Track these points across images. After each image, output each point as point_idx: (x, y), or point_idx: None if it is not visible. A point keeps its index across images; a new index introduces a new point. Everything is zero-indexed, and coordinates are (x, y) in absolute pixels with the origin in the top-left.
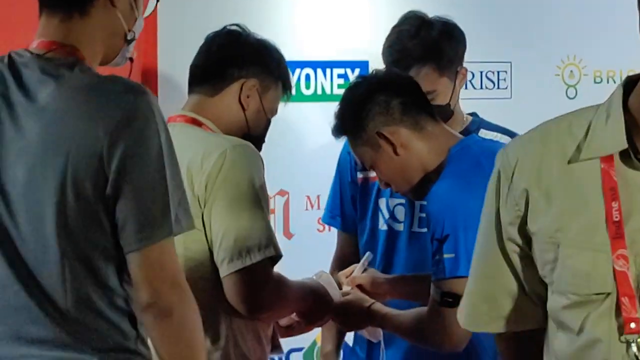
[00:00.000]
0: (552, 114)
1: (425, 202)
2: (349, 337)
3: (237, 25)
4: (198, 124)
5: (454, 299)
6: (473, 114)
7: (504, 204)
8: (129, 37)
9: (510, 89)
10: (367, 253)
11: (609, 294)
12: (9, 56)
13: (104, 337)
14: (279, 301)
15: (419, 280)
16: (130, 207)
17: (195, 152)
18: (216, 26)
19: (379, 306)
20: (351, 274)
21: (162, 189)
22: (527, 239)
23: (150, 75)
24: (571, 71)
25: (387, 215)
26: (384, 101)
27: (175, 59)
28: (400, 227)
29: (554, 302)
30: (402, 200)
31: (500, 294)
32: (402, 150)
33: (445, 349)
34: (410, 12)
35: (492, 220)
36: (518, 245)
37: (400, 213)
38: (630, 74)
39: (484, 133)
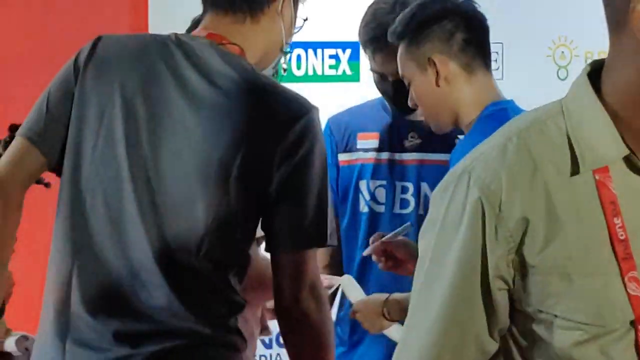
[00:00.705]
0: (544, 95)
1: (406, 183)
2: None
3: None
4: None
5: None
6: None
7: (492, 239)
8: (285, 49)
9: (502, 70)
10: (407, 223)
11: (631, 321)
12: (175, 36)
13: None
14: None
15: None
16: (293, 211)
17: None
18: None
19: (397, 295)
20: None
21: (323, 202)
22: (521, 273)
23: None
24: (562, 52)
25: (367, 197)
26: (449, 30)
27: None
28: (382, 209)
29: (562, 339)
30: (384, 182)
31: (470, 342)
32: (444, 83)
33: None
34: None
35: (474, 261)
36: (506, 282)
37: (381, 195)
38: None
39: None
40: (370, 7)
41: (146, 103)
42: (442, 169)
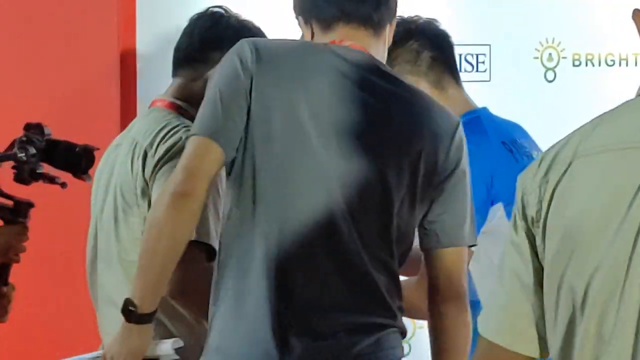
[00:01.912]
0: (531, 97)
1: None
2: None
3: (219, 6)
4: (177, 108)
5: None
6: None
7: None
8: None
9: (490, 72)
10: None
11: None
12: (325, 44)
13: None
14: None
15: None
16: (455, 213)
17: (150, 129)
18: (196, 3)
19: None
20: None
21: (472, 205)
22: None
23: (129, 56)
24: (550, 54)
25: None
26: (415, 50)
27: (154, 39)
28: None
29: None
30: None
31: None
32: None
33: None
34: None
35: None
36: None
37: None
38: (609, 57)
39: None
40: None
41: (326, 99)
42: None
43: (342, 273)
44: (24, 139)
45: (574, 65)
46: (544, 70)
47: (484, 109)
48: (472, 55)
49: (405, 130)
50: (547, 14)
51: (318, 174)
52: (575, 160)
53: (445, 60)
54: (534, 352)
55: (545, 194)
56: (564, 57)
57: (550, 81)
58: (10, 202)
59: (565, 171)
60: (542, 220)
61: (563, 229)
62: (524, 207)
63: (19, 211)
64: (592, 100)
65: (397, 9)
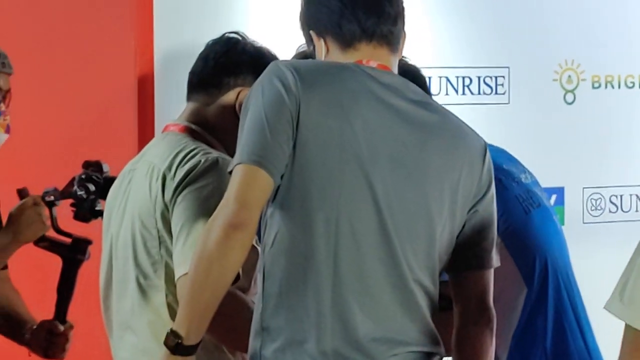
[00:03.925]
0: (551, 120)
1: None
2: None
3: (236, 32)
4: (191, 132)
5: (448, 302)
6: None
7: None
8: None
9: (509, 95)
10: None
11: None
12: (356, 65)
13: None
14: None
15: None
16: (484, 235)
17: (166, 153)
18: (212, 29)
19: None
20: None
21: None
22: None
23: (147, 81)
24: (569, 76)
25: None
26: None
27: (172, 64)
28: None
29: None
30: None
31: None
32: None
33: None
34: None
35: None
36: None
37: None
38: (628, 79)
39: None
40: None
41: (367, 123)
42: None
43: (396, 303)
44: (83, 176)
45: (593, 87)
46: (563, 92)
47: None
48: (490, 77)
49: (443, 155)
50: (566, 36)
51: (368, 201)
52: None
53: None
54: None
55: None
56: (583, 79)
57: (570, 103)
58: (68, 239)
59: None
60: None
61: None
62: None
63: (78, 248)
64: (612, 122)
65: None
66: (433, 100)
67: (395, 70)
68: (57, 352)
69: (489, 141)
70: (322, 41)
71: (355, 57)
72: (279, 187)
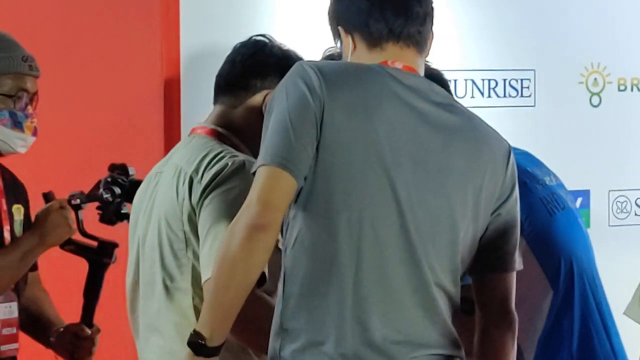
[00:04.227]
0: (576, 122)
1: None
2: None
3: (263, 35)
4: (218, 135)
5: (472, 305)
6: None
7: None
8: None
9: (534, 97)
10: None
11: None
12: (381, 67)
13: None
14: None
15: None
16: (511, 233)
17: (193, 156)
18: (239, 31)
19: None
20: None
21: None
22: None
23: (173, 84)
24: (595, 79)
25: None
26: None
27: (198, 67)
28: None
29: None
30: None
31: None
32: None
33: None
34: None
35: None
36: None
37: None
38: None
39: None
40: None
41: (391, 126)
42: None
43: (417, 306)
44: (109, 179)
45: (619, 90)
46: (589, 95)
47: None
48: (516, 80)
49: (467, 158)
50: (592, 39)
51: (391, 204)
52: None
53: None
54: None
55: None
56: (609, 82)
57: (596, 106)
58: (94, 242)
59: None
60: None
61: None
62: None
63: (104, 251)
64: (638, 125)
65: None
66: (457, 103)
67: (422, 71)
68: (83, 356)
69: (514, 144)
70: (349, 38)
71: (381, 57)
72: (302, 188)
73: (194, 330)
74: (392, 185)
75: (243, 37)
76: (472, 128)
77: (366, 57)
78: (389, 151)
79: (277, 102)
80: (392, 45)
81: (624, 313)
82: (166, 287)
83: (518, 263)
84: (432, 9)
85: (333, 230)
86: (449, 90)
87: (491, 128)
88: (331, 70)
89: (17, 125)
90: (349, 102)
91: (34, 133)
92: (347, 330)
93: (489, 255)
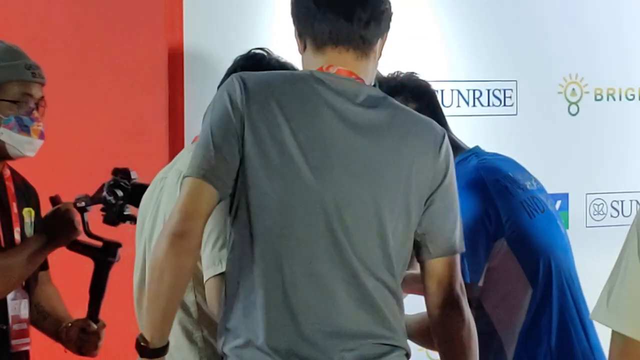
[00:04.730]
0: (555, 129)
1: None
2: None
3: (261, 48)
4: None
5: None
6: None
7: None
8: (373, 82)
9: (516, 106)
10: None
11: None
12: (311, 72)
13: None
14: None
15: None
16: (445, 219)
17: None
18: (240, 40)
19: None
20: None
21: (459, 213)
22: None
23: (177, 94)
24: (573, 89)
25: None
26: (400, 102)
27: (201, 77)
28: None
29: None
30: None
31: None
32: None
33: None
34: None
35: None
36: None
37: None
38: (629, 92)
39: None
40: None
41: (315, 132)
42: None
43: (349, 299)
44: (112, 182)
45: (596, 99)
46: (567, 104)
47: (476, 149)
48: (499, 90)
49: (392, 153)
50: (570, 51)
51: (314, 207)
52: None
53: (429, 108)
54: None
55: None
56: (586, 92)
57: (574, 114)
58: (99, 243)
59: None
60: None
61: None
62: None
63: (108, 251)
64: (613, 132)
65: (391, 22)
66: (388, 100)
67: (365, 74)
68: (90, 350)
69: (497, 150)
70: (303, 40)
71: (322, 61)
72: (233, 197)
73: (139, 335)
74: (313, 187)
75: (246, 46)
76: (398, 123)
77: (312, 60)
78: (312, 157)
79: (207, 115)
80: (331, 50)
81: (590, 317)
82: None
83: (459, 246)
84: (383, 11)
85: (256, 236)
86: (435, 100)
87: (422, 119)
88: (256, 82)
89: (23, 129)
90: (267, 112)
91: (41, 136)
92: (279, 326)
93: (428, 241)
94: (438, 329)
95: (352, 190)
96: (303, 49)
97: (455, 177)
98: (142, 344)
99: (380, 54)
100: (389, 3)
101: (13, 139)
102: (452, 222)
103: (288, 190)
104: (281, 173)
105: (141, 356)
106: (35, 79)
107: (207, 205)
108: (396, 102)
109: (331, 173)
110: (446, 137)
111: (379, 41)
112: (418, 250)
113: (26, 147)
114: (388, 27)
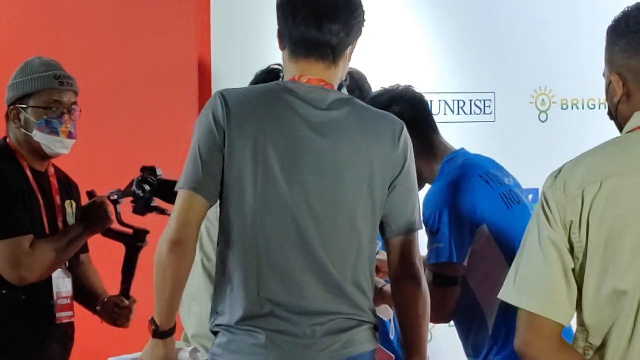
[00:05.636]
0: (528, 134)
1: None
2: None
3: (279, 64)
4: None
5: (444, 280)
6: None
7: None
8: (344, 85)
9: (495, 114)
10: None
11: None
12: (284, 84)
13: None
14: None
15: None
16: (406, 202)
17: None
18: (267, 50)
19: (389, 288)
20: None
21: (417, 195)
22: None
23: (205, 68)
24: (543, 100)
25: None
26: (398, 114)
27: (228, 81)
28: None
29: None
30: None
31: None
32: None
33: (434, 321)
34: None
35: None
36: None
37: None
38: (590, 102)
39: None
40: None
41: (286, 140)
42: None
43: (318, 283)
44: (141, 178)
45: (562, 108)
46: (538, 112)
47: (462, 150)
48: (480, 100)
49: (355, 148)
50: (541, 67)
51: (285, 206)
52: (606, 180)
53: (423, 117)
54: (567, 321)
55: (585, 203)
56: (554, 102)
57: (544, 122)
58: (130, 230)
59: (600, 188)
60: (583, 225)
61: (605, 233)
62: (563, 214)
63: (138, 237)
64: (577, 137)
65: (362, 31)
66: (350, 100)
67: (335, 80)
68: (123, 322)
69: (479, 152)
70: (284, 45)
71: (294, 70)
72: (222, 202)
73: (150, 318)
74: (284, 189)
75: (266, 56)
76: (359, 120)
77: (288, 65)
78: (284, 161)
79: (195, 131)
80: (303, 60)
81: (498, 297)
82: (204, 267)
83: (418, 225)
84: (353, 26)
85: (237, 232)
86: (425, 110)
87: (381, 113)
88: (236, 98)
89: (52, 130)
90: (246, 127)
91: (70, 136)
92: (256, 308)
93: (391, 222)
94: (398, 298)
95: (320, 188)
96: (283, 48)
97: (414, 164)
98: (153, 327)
99: (350, 58)
100: (361, 13)
101: (44, 139)
102: (412, 205)
103: (263, 193)
104: (257, 178)
105: (153, 337)
106: (63, 87)
107: (199, 214)
108: (360, 102)
109: (300, 174)
110: (405, 128)
111: (349, 48)
112: (383, 229)
113: (57, 146)
114: (359, 36)
